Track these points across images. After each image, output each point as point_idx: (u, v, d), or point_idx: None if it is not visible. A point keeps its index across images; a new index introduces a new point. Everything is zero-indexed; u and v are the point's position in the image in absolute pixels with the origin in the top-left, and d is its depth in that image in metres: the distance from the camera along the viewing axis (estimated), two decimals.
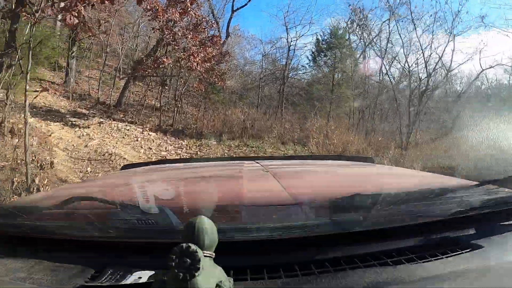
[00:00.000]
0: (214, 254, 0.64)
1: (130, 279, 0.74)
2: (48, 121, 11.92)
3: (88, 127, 12.53)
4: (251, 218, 1.08)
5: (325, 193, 1.34)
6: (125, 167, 3.24)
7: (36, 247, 0.89)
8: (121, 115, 15.54)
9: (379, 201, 1.00)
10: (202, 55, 13.35)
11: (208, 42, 14.14)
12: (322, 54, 23.19)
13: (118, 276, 0.76)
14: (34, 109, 12.78)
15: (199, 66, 13.80)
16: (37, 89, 16.86)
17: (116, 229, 0.88)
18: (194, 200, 1.32)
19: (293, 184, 1.61)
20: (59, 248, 0.88)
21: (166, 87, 15.26)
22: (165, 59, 12.97)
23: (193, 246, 0.58)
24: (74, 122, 12.59)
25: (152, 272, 0.75)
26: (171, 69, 15.95)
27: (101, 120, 13.76)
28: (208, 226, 0.64)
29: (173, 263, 0.57)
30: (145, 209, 0.92)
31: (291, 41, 23.17)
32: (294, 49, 23.11)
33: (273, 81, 25.40)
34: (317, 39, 23.47)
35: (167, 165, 2.99)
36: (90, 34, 18.66)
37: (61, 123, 12.20)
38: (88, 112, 14.57)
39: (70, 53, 17.19)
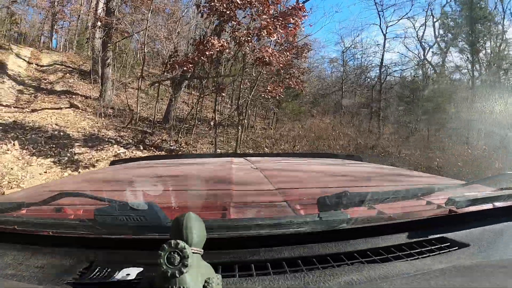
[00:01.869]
0: (202, 250, 0.63)
1: (118, 276, 0.73)
2: (36, 157, 7.44)
3: (93, 166, 7.72)
4: (239, 214, 1.07)
5: (313, 190, 1.40)
6: (113, 162, 3.14)
7: (24, 243, 0.88)
8: (163, 137, 10.91)
9: (367, 199, 0.94)
10: (282, 31, 7.98)
11: (287, 18, 8.64)
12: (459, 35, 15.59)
13: (106, 273, 0.75)
14: (34, 135, 8.62)
15: (274, 57, 8.60)
16: (62, 106, 13.46)
17: (104, 225, 0.84)
18: (183, 197, 1.33)
19: (282, 181, 1.62)
20: (47, 244, 0.87)
21: (223, 94, 10.06)
22: (214, 41, 7.83)
23: (182, 243, 0.58)
24: (75, 157, 7.95)
25: (141, 269, 0.75)
26: (230, 66, 10.96)
27: (121, 150, 9.03)
28: (196, 223, 0.64)
29: (162, 260, 0.57)
30: (133, 205, 0.85)
31: (387, 27, 17.41)
32: (384, 41, 17.21)
33: (360, 83, 21.04)
34: (443, 13, 16.41)
35: (156, 161, 3.00)
36: (126, 35, 15.15)
37: (53, 159, 7.59)
38: (115, 135, 10.11)
39: (103, 59, 13.80)
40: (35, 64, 17.49)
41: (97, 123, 11.07)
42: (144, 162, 2.84)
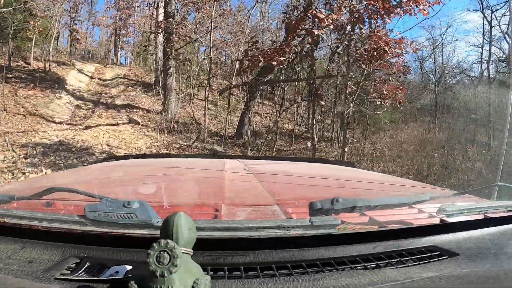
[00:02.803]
0: (192, 251, 0.63)
1: (107, 274, 0.71)
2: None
3: None
4: (231, 216, 1.07)
5: (305, 195, 1.39)
6: (107, 159, 3.14)
7: (13, 237, 0.85)
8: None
9: (358, 205, 0.93)
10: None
11: None
12: None
13: (95, 270, 0.73)
14: (76, 160, 6.98)
15: (393, 47, 6.06)
16: (119, 122, 11.82)
17: (94, 221, 0.81)
18: (174, 196, 1.33)
19: (274, 184, 1.62)
20: (36, 238, 0.84)
21: (322, 102, 7.43)
22: (320, 14, 5.39)
23: (171, 243, 0.57)
24: None
25: (130, 267, 0.72)
26: (326, 65, 8.45)
27: None
28: (186, 223, 0.63)
29: (151, 259, 0.56)
30: (124, 203, 0.83)
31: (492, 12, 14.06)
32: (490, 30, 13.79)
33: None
34: None
35: (149, 159, 2.98)
36: (189, 41, 13.39)
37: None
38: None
39: (165, 69, 12.29)
40: (98, 79, 16.73)
41: (156, 141, 9.27)
42: (137, 160, 2.73)
